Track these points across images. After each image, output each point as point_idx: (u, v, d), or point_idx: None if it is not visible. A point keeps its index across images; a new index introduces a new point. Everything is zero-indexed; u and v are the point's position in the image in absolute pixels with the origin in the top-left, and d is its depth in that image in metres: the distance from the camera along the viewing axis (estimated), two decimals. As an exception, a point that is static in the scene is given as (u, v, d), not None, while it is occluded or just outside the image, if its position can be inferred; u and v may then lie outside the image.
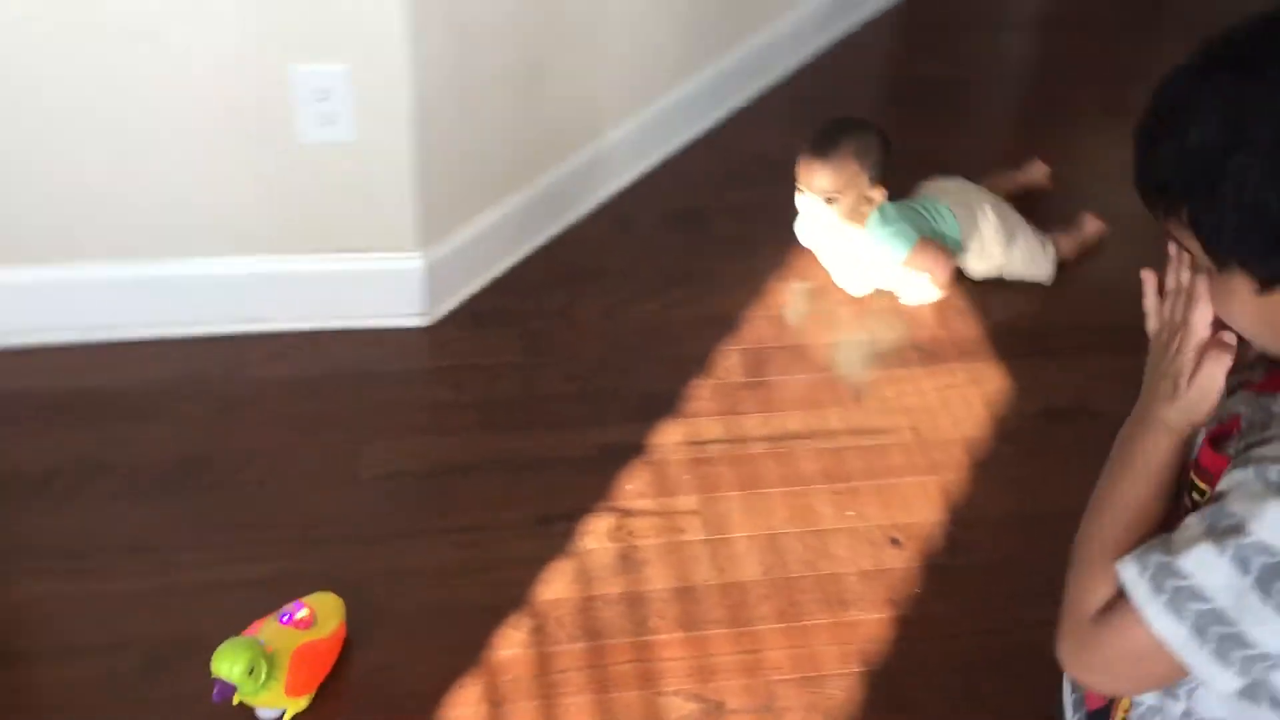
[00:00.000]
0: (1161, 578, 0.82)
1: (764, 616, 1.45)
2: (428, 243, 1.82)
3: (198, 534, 1.52)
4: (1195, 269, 0.88)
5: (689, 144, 2.31)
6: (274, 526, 1.54)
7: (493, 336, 1.86)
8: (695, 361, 1.82)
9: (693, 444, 1.68)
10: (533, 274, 1.98)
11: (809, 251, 2.01)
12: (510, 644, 1.41)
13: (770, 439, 1.69)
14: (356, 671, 1.37)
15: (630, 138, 2.16)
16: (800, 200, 1.91)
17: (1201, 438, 0.92)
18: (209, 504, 1.57)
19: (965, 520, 1.58)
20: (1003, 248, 1.95)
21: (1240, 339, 0.89)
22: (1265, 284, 0.81)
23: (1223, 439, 0.89)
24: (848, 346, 1.91)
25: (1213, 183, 0.78)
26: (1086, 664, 0.90)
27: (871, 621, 1.45)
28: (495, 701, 1.35)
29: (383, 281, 1.83)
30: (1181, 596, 0.81)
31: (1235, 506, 0.80)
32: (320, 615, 1.35)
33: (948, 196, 1.98)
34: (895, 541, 1.55)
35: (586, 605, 1.46)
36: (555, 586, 1.48)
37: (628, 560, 1.51)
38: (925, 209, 1.95)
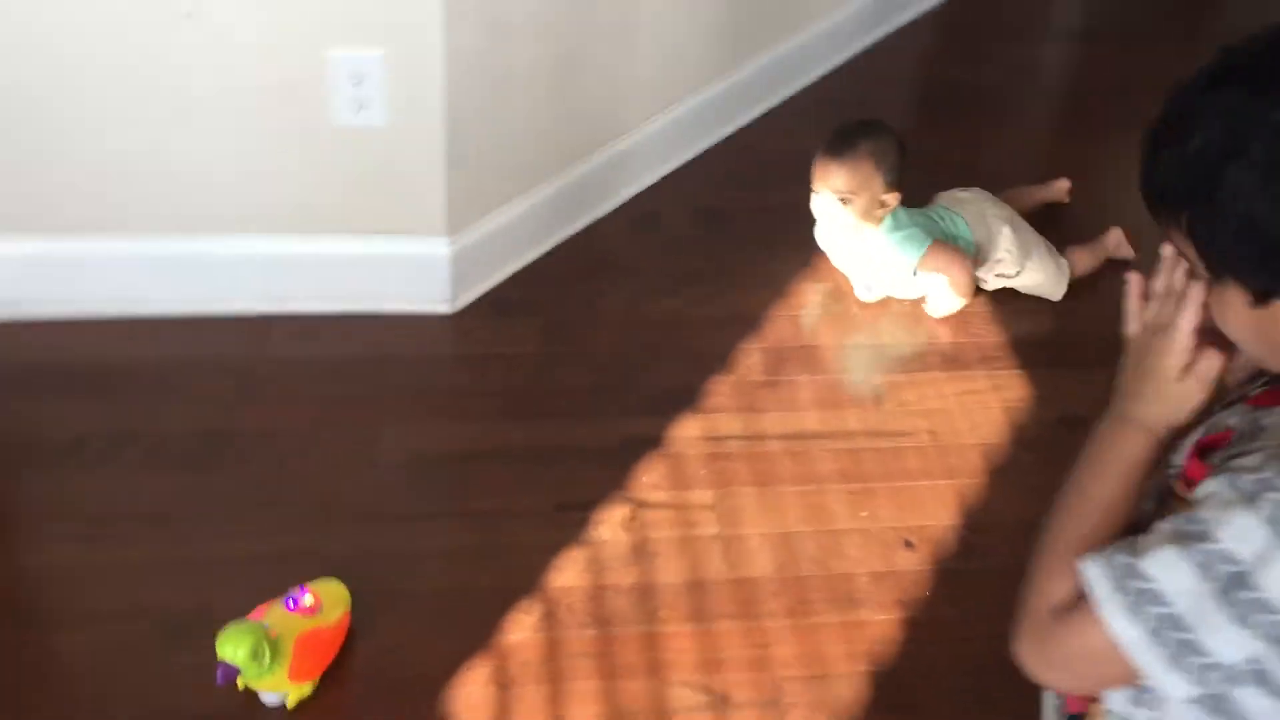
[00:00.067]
0: (1124, 579, 0.82)
1: (773, 612, 1.46)
2: (454, 231, 1.83)
3: (217, 508, 1.54)
4: (1192, 276, 0.88)
5: (717, 143, 2.32)
6: (292, 504, 1.56)
7: (516, 326, 1.87)
8: (716, 358, 1.83)
9: (710, 439, 1.69)
10: (557, 266, 2.00)
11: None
12: (520, 628, 1.42)
13: (787, 437, 1.70)
14: (367, 651, 1.39)
15: (659, 135, 2.17)
16: (814, 201, 1.91)
17: (1188, 449, 0.92)
18: (229, 479, 1.59)
19: (980, 525, 1.58)
20: (1016, 265, 1.94)
21: (1231, 346, 0.89)
22: (1259, 297, 0.81)
23: (1211, 450, 0.89)
24: (869, 349, 1.91)
25: (1210, 191, 0.78)
26: (1044, 660, 0.90)
27: (881, 622, 1.45)
28: (503, 684, 1.36)
29: (409, 267, 1.84)
30: (1142, 599, 0.81)
31: (1205, 513, 0.80)
32: (326, 602, 1.36)
33: (964, 208, 1.97)
34: (908, 544, 1.55)
35: (598, 593, 1.47)
36: (568, 574, 1.49)
37: (640, 551, 1.52)
38: (940, 216, 1.94)
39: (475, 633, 1.41)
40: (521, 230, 1.95)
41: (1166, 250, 0.92)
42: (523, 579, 1.47)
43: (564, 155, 2.00)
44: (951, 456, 1.68)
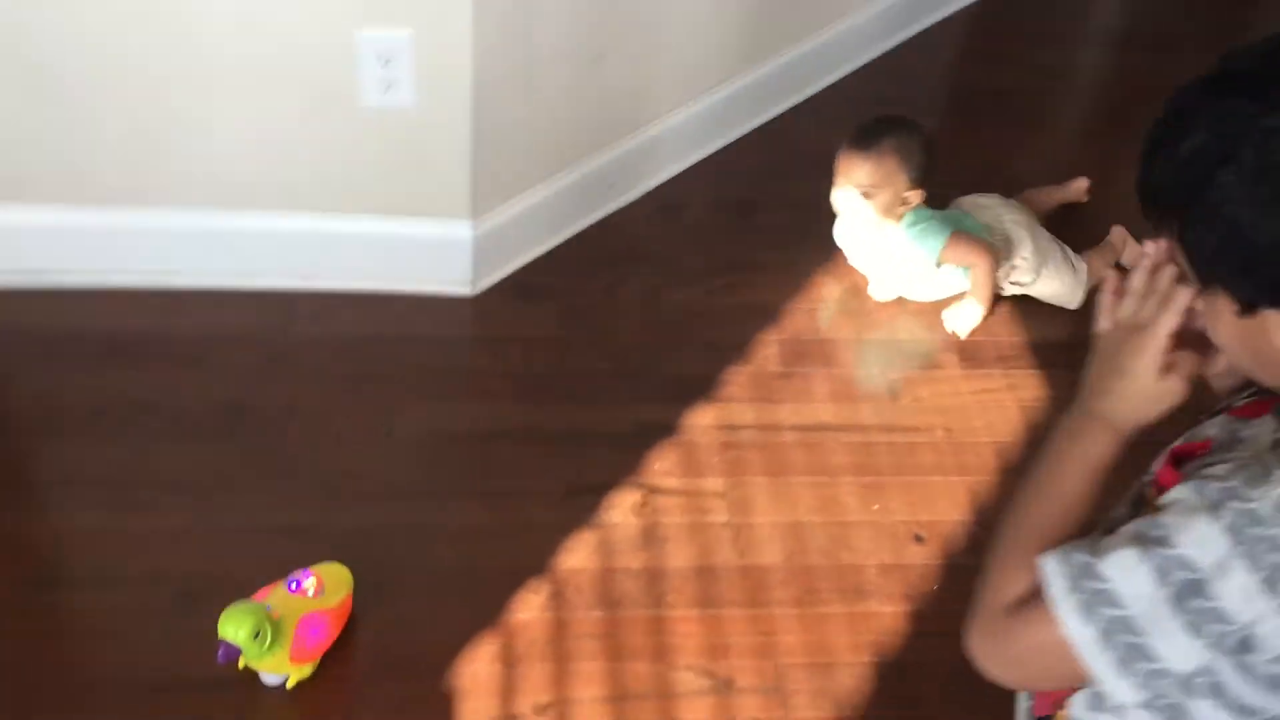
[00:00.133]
0: (1080, 578, 0.81)
1: (780, 601, 1.46)
2: (478, 213, 1.85)
3: (234, 479, 1.57)
4: (1182, 280, 0.87)
5: (743, 135, 2.32)
6: (309, 478, 1.58)
7: (536, 310, 1.89)
8: (733, 348, 1.83)
9: (724, 428, 1.69)
10: (579, 252, 2.01)
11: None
12: (528, 607, 1.44)
13: (801, 429, 1.70)
14: (375, 625, 1.41)
15: (685, 126, 2.17)
16: (836, 194, 1.90)
17: (1165, 456, 0.91)
18: (247, 451, 1.61)
19: (991, 522, 1.56)
20: (1031, 274, 1.93)
21: (1208, 350, 0.88)
22: (1245, 307, 0.80)
23: (1187, 459, 0.88)
24: (886, 345, 1.91)
25: (1201, 195, 0.78)
26: (996, 655, 0.89)
27: (887, 614, 1.46)
28: (509, 662, 1.38)
29: (432, 249, 1.86)
30: (1097, 600, 0.80)
31: (1167, 518, 0.80)
32: (328, 585, 1.37)
33: (983, 214, 1.96)
34: (918, 538, 1.56)
35: (606, 576, 1.48)
36: (578, 556, 1.50)
37: (650, 536, 1.53)
38: (959, 218, 1.94)
39: (483, 610, 1.43)
40: (545, 215, 1.96)
41: (1149, 248, 0.90)
42: (532, 559, 1.49)
43: (589, 143, 2.01)
44: (965, 453, 1.68)
